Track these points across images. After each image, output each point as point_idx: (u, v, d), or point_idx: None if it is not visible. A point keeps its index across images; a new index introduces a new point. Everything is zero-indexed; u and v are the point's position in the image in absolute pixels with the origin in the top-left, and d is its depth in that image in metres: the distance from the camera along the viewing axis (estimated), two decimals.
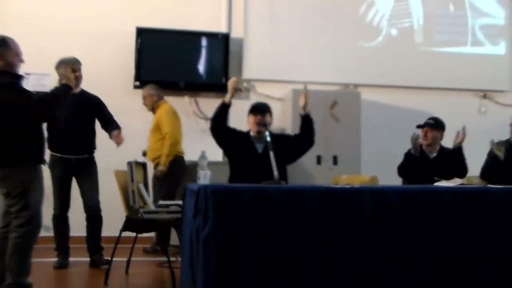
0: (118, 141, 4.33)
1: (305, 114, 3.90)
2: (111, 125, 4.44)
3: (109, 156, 4.78)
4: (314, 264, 2.62)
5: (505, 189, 3.02)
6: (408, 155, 4.37)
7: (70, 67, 4.09)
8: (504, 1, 6.71)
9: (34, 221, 3.22)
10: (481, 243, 2.83)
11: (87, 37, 5.78)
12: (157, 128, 5.03)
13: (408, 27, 6.54)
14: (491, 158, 4.34)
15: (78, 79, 4.18)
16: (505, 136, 4.43)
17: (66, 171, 4.35)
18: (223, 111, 3.81)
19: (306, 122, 3.92)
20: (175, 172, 4.97)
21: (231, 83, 3.83)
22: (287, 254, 2.59)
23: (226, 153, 3.99)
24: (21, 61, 3.30)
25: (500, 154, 4.09)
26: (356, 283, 2.66)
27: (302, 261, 2.61)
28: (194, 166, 3.72)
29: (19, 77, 3.30)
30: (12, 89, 3.19)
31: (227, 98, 3.81)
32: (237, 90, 3.86)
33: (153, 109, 5.15)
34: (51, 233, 4.45)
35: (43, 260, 4.35)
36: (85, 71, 4.34)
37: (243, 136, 3.89)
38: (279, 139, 3.76)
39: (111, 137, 4.39)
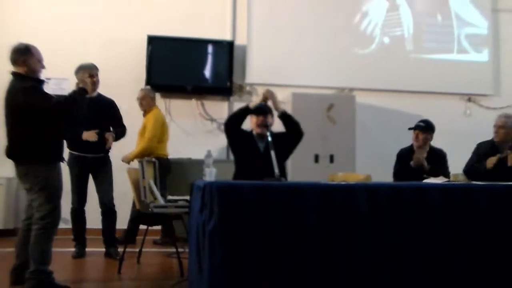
0: (107, 142, 4.30)
1: (280, 113, 3.79)
2: (117, 129, 4.44)
3: (123, 155, 4.85)
4: (312, 258, 2.61)
5: (488, 185, 3.03)
6: (402, 159, 4.34)
7: (87, 72, 4.11)
8: (487, 12, 6.72)
9: (54, 214, 3.24)
10: (466, 237, 2.82)
11: (103, 45, 5.81)
12: (144, 131, 4.97)
13: (399, 36, 6.54)
14: (476, 156, 4.36)
15: (95, 84, 4.20)
16: (489, 137, 4.44)
17: (83, 169, 4.37)
18: (243, 114, 3.78)
19: (286, 119, 3.80)
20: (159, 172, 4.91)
21: (266, 94, 3.79)
22: (287, 246, 2.59)
23: (233, 149, 3.95)
24: (43, 67, 3.33)
25: None
26: (354, 277, 2.66)
27: (301, 255, 2.60)
28: (200, 164, 3.73)
29: (41, 82, 3.32)
30: (34, 92, 3.21)
31: (252, 104, 3.79)
32: (266, 100, 3.79)
33: (144, 111, 5.09)
34: (69, 226, 4.47)
35: (62, 250, 4.38)
36: (100, 75, 4.35)
37: (247, 135, 3.89)
38: (278, 138, 3.74)
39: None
